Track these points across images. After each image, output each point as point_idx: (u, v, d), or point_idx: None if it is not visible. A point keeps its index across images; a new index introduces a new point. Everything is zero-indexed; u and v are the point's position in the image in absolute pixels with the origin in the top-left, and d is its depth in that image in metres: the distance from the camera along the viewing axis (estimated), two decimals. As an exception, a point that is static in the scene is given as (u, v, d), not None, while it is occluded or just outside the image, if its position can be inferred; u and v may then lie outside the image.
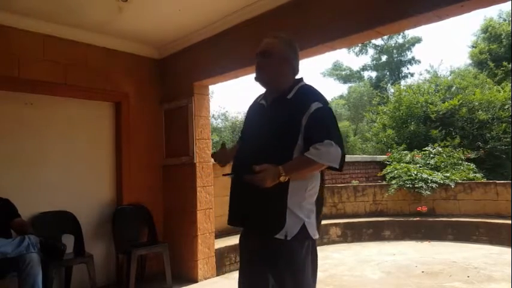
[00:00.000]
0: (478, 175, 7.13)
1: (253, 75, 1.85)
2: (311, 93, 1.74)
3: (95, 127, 4.15)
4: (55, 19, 3.55)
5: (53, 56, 3.69)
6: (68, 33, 3.74)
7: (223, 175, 1.87)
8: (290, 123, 1.67)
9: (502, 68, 12.82)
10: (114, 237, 3.94)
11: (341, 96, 24.61)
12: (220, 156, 1.94)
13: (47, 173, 3.72)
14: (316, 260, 1.78)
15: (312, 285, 1.74)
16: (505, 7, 15.83)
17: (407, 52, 23.09)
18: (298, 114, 1.66)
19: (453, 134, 9.37)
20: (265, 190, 1.58)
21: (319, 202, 1.77)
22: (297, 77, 1.86)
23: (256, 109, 1.91)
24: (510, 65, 12.62)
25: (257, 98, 1.96)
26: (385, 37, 21.52)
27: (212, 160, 3.93)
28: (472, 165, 7.52)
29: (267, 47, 1.81)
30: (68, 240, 3.53)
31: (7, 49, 3.42)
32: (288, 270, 1.66)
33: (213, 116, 17.24)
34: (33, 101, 3.69)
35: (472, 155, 8.42)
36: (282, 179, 1.58)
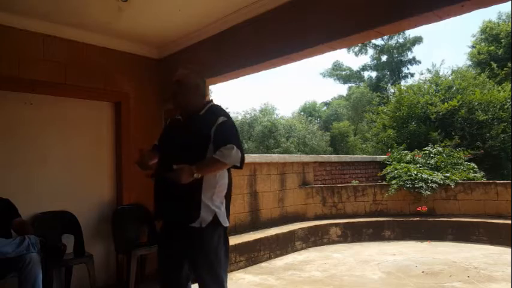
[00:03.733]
0: (478, 175, 7.12)
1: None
2: (218, 111, 2.18)
3: (95, 127, 4.15)
4: (55, 19, 3.55)
5: (53, 56, 3.68)
6: (68, 33, 3.74)
7: (148, 176, 2.26)
8: (202, 132, 2.09)
9: (504, 69, 12.79)
10: (114, 237, 3.94)
11: (341, 97, 24.61)
12: (145, 158, 2.30)
13: (47, 173, 3.72)
14: (228, 243, 2.17)
15: (223, 266, 2.11)
16: (504, 8, 15.87)
17: (407, 52, 23.09)
18: (209, 125, 2.08)
19: (453, 134, 9.37)
20: (184, 187, 1.94)
21: (228, 196, 2.17)
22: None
23: (175, 123, 2.31)
24: (510, 65, 12.61)
25: (176, 115, 2.33)
26: (385, 37, 21.53)
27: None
28: (473, 165, 7.52)
29: (180, 77, 2.21)
30: (68, 240, 3.53)
31: (7, 49, 3.41)
32: (202, 252, 2.04)
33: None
34: (33, 101, 3.69)
35: (472, 155, 8.41)
36: (195, 175, 1.94)
